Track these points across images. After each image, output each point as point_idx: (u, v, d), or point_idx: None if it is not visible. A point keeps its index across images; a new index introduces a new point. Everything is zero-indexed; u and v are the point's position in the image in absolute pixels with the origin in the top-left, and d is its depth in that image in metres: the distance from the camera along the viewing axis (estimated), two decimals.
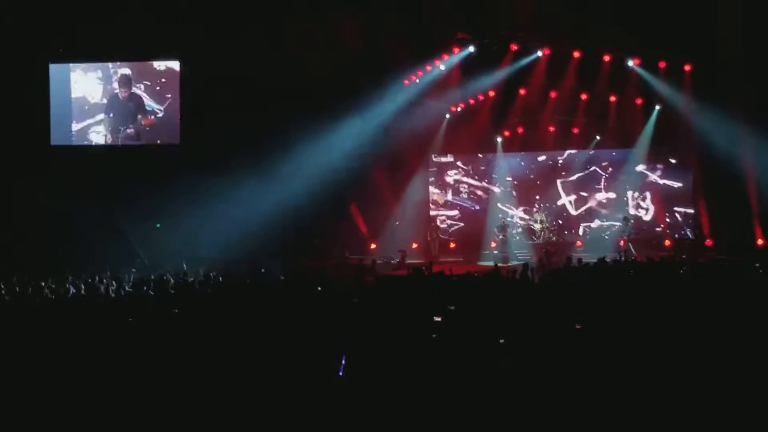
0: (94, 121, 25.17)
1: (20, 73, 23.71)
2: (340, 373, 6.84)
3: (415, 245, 25.64)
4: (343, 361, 6.89)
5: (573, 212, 26.15)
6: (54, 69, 25.07)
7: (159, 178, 23.56)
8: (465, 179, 26.87)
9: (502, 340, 7.61)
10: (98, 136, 25.18)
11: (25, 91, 24.03)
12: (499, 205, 26.43)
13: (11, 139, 23.60)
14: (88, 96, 25.12)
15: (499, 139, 26.35)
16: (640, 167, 25.57)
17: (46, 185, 23.33)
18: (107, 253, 20.35)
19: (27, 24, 23.11)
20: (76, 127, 25.17)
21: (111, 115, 25.11)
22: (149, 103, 25.03)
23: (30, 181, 23.18)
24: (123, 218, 22.45)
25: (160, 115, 24.98)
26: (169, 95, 24.97)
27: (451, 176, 26.87)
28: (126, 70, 25.05)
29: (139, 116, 25.02)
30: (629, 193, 25.73)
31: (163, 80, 25.02)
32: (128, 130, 25.01)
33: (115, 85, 25.02)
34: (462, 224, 26.80)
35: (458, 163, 26.84)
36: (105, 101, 25.10)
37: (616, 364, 6.90)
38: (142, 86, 25.08)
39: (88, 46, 24.32)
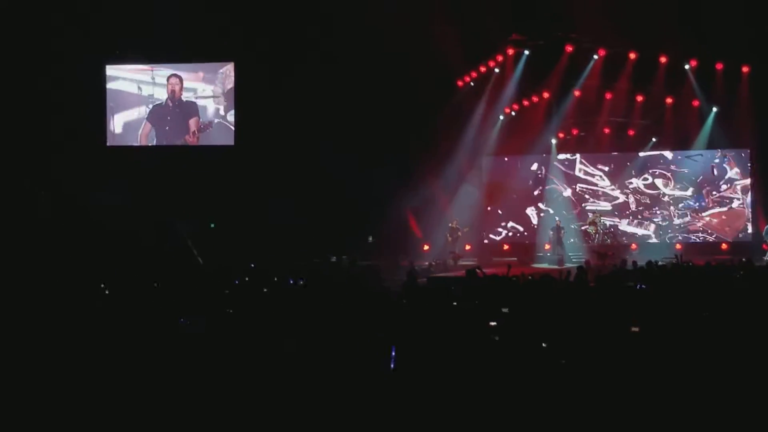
0: (146, 124, 25.61)
1: (77, 75, 24.07)
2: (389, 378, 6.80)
3: (468, 247, 25.58)
4: (393, 365, 6.84)
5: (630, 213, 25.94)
6: (110, 70, 25.50)
7: (213, 178, 23.84)
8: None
9: (544, 345, 7.46)
10: (151, 137, 25.61)
11: (82, 92, 24.45)
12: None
13: (68, 140, 24.02)
14: (143, 97, 25.53)
15: (554, 141, 26.15)
16: (696, 169, 25.25)
17: (102, 186, 23.67)
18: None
19: (81, 26, 23.41)
20: (131, 128, 25.59)
21: (160, 121, 25.62)
22: (202, 106, 25.39)
23: (86, 181, 23.55)
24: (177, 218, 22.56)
25: (214, 120, 25.30)
26: (223, 96, 25.27)
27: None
28: (178, 73, 25.43)
29: (191, 123, 25.34)
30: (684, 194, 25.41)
31: (217, 82, 25.33)
32: (176, 137, 25.47)
33: (168, 89, 25.37)
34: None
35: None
36: (155, 103, 25.61)
37: (673, 367, 6.79)
38: (197, 89, 25.40)
39: (142, 48, 24.67)
